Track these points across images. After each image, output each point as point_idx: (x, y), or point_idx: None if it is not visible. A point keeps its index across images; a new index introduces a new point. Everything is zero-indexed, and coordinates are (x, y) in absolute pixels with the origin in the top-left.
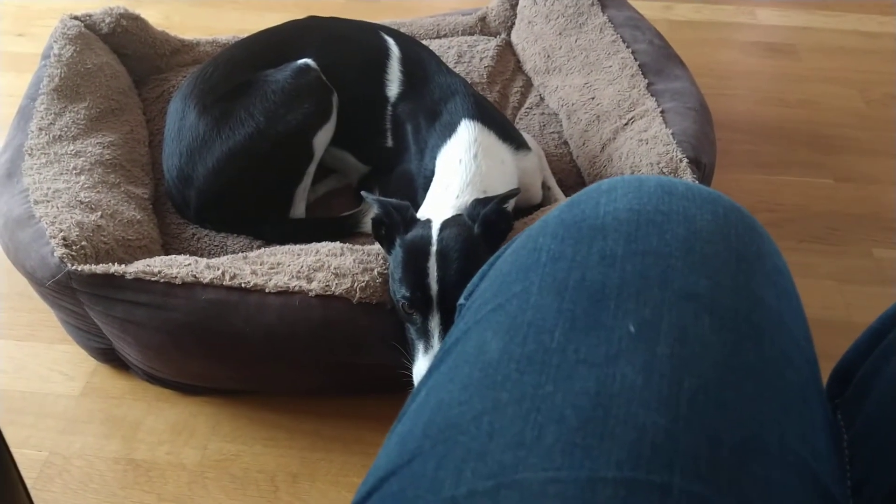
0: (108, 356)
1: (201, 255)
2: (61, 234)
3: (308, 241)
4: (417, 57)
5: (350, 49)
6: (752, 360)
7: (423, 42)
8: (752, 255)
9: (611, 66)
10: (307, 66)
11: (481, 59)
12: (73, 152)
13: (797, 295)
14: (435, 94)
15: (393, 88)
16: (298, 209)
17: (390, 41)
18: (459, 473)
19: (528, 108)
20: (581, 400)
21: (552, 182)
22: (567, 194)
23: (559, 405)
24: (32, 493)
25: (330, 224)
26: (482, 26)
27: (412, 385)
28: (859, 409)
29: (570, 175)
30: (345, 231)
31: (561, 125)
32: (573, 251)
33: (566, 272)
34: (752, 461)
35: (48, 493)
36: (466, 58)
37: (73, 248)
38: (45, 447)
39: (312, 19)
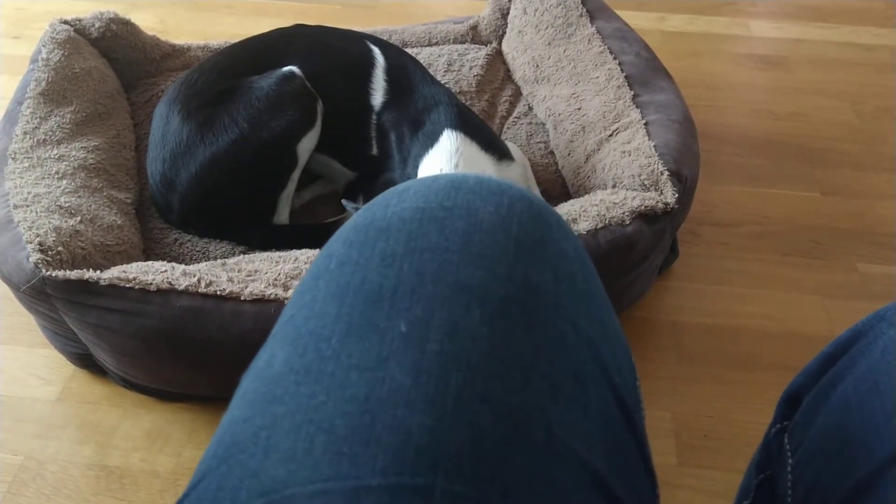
0: (86, 361)
1: (183, 261)
2: (38, 238)
3: (291, 247)
4: (402, 66)
5: (335, 57)
6: (520, 349)
7: (415, 50)
8: (532, 243)
9: (598, 77)
10: (292, 73)
11: (471, 68)
12: (56, 156)
13: (588, 276)
14: (419, 104)
15: (377, 97)
16: (282, 215)
17: (376, 50)
18: (236, 493)
19: (516, 117)
20: (351, 407)
21: (536, 192)
22: (552, 204)
23: (330, 414)
24: (7, 497)
25: (313, 231)
26: (473, 35)
27: None
28: (805, 434)
29: (556, 185)
30: (327, 238)
31: (548, 135)
32: (358, 254)
33: (349, 276)
34: (516, 454)
35: (22, 497)
36: (456, 66)
37: (49, 253)
38: (20, 451)
39: (299, 27)
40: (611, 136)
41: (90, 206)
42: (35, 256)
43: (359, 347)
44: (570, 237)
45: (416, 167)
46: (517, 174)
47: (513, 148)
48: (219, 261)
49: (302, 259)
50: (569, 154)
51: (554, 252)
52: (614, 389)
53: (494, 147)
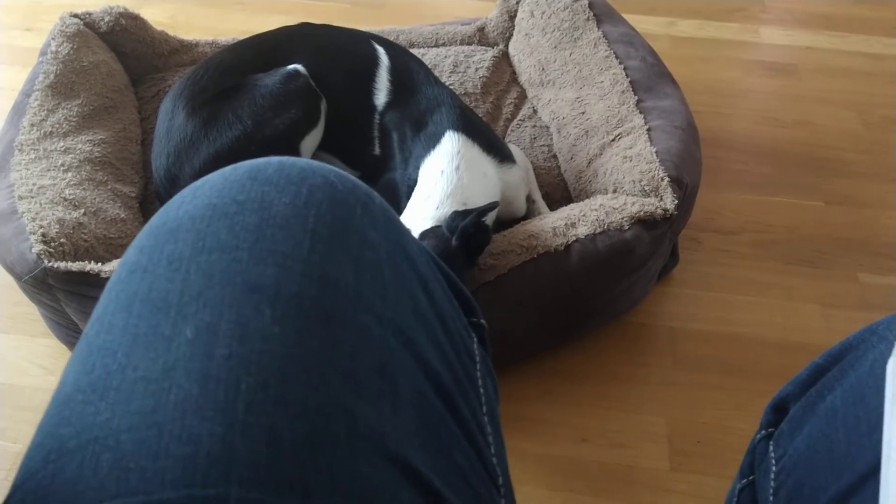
0: None
1: None
2: (41, 230)
3: None
4: (406, 67)
5: (340, 57)
6: (317, 347)
7: (421, 50)
8: (331, 234)
9: (602, 82)
10: (296, 71)
11: (476, 70)
12: (62, 149)
13: (398, 263)
14: (422, 105)
15: (381, 97)
16: None
17: (380, 50)
18: None
19: (520, 119)
20: (136, 421)
21: (537, 195)
22: (553, 208)
23: (115, 431)
24: (5, 484)
25: None
26: (480, 36)
27: None
28: (790, 442)
29: (558, 189)
30: None
31: (551, 139)
32: (147, 260)
33: (137, 284)
34: (316, 455)
35: None
36: (462, 68)
37: (52, 244)
38: (19, 439)
39: (304, 26)
40: (613, 140)
41: (94, 198)
42: (38, 247)
43: (145, 358)
44: (379, 223)
45: (418, 168)
46: (517, 177)
47: (515, 150)
48: None
49: None
50: (571, 158)
51: (356, 241)
52: (432, 378)
53: (496, 149)
